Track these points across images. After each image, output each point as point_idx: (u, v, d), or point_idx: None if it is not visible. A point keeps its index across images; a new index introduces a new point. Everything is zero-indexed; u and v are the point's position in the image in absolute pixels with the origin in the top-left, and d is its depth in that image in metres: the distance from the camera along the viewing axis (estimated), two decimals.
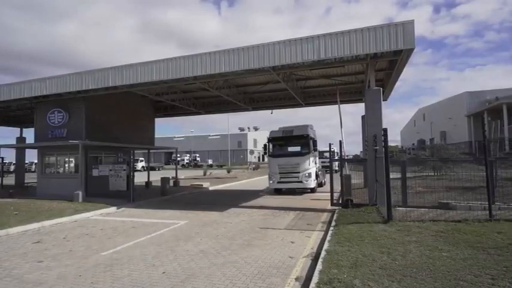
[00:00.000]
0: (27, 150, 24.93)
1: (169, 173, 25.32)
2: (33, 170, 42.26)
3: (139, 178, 21.65)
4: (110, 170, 14.73)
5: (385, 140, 8.24)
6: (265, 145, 16.74)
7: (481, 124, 8.62)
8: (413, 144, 54.88)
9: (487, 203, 7.78)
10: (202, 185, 21.05)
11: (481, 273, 4.46)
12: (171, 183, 19.70)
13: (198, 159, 69.82)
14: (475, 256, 5.19)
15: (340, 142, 12.82)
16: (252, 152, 51.02)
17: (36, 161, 24.94)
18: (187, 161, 67.46)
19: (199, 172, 40.42)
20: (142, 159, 50.57)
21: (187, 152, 70.95)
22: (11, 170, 38.53)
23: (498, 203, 8.61)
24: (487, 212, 7.69)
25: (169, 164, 66.00)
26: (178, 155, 28.70)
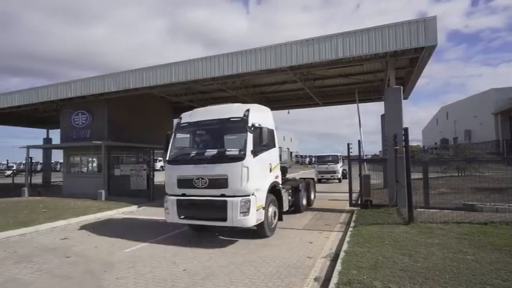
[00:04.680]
0: (53, 150, 26.07)
1: None
2: (58, 169, 44.08)
3: (158, 177, 22.13)
4: (131, 170, 15.19)
5: (406, 140, 8.07)
6: (167, 137, 8.16)
7: (509, 122, 8.26)
8: (435, 143, 53.15)
9: None
10: None
11: (509, 278, 4.29)
12: None
13: None
14: (502, 260, 5.00)
15: (359, 142, 12.62)
16: None
17: (61, 161, 26.05)
18: None
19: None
20: (161, 159, 51.65)
21: None
22: (38, 169, 40.37)
23: None
24: None
25: None
26: None
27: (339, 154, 23.73)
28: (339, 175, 23.00)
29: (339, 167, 23.00)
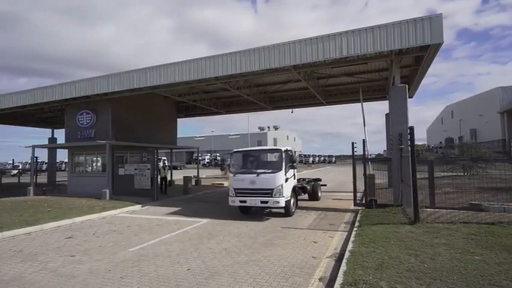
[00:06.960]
0: (58, 149, 26.23)
1: (191, 172, 25.78)
2: (63, 168, 44.40)
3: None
4: (135, 169, 15.22)
5: (412, 139, 7.98)
6: None
7: None
8: (440, 142, 52.79)
9: None
10: (223, 184, 21.27)
11: None
12: (193, 182, 20.07)
13: (218, 158, 70.66)
14: (511, 260, 4.91)
15: (364, 141, 12.53)
16: None
17: (66, 160, 26.22)
18: (208, 161, 68.46)
19: (219, 171, 40.83)
20: (165, 158, 51.81)
21: (207, 152, 71.96)
22: (43, 168, 40.69)
23: None
24: None
25: (191, 163, 67.17)
26: (199, 155, 29.06)
27: (283, 149, 10.21)
28: (282, 200, 9.49)
29: (282, 180, 9.58)
